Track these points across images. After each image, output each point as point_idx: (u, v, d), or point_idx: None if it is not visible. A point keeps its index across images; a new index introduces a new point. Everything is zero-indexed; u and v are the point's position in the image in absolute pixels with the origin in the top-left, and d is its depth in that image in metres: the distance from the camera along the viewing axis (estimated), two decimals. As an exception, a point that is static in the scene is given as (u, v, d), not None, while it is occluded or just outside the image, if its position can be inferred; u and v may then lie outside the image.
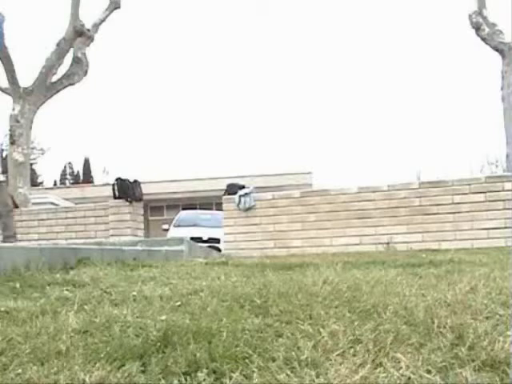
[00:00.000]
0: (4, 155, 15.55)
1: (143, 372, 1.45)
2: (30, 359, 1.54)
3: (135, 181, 9.31)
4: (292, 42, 59.58)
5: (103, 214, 9.28)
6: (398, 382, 1.33)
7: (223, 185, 9.39)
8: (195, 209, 18.95)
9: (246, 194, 7.99)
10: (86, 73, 14.83)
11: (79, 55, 14.57)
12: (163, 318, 1.95)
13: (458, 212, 6.89)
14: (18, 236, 9.40)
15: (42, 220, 9.63)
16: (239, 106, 56.73)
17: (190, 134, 61.45)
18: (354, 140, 57.88)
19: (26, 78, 14.15)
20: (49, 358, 1.54)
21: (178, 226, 13.13)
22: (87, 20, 14.79)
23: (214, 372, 1.44)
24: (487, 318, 1.82)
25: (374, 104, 53.62)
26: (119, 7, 15.23)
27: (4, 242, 7.50)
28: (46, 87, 14.24)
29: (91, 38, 14.80)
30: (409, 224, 7.08)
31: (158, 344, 1.63)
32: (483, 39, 13.29)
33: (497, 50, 13.14)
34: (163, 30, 60.58)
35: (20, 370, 1.44)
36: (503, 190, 6.73)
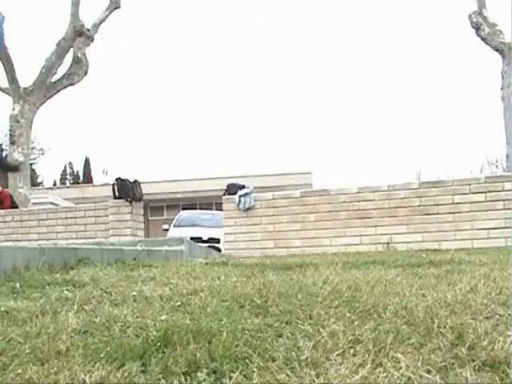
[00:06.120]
0: (4, 155, 15.54)
1: (143, 372, 1.45)
2: (29, 359, 1.53)
3: (135, 181, 9.30)
4: (293, 42, 59.62)
5: (103, 213, 9.27)
6: (398, 381, 1.33)
7: (223, 185, 9.38)
8: (195, 209, 18.97)
9: (246, 193, 7.99)
10: (85, 73, 14.84)
11: (79, 55, 14.58)
12: (163, 317, 1.95)
13: (458, 212, 6.89)
14: (19, 236, 9.41)
15: (42, 220, 9.62)
16: (240, 105, 56.73)
17: (190, 134, 61.45)
18: (354, 140, 57.88)
19: (26, 78, 14.17)
20: (49, 358, 1.54)
21: (178, 225, 13.14)
22: (87, 20, 14.81)
23: (214, 372, 1.44)
24: (487, 317, 1.82)
25: (374, 104, 53.61)
26: (119, 7, 15.24)
27: None
28: (46, 87, 14.25)
29: (91, 38, 14.81)
30: (409, 224, 7.08)
31: (158, 344, 1.63)
32: (483, 39, 13.30)
33: (497, 50, 13.15)
34: (163, 30, 60.62)
35: (20, 370, 1.44)
36: (503, 190, 6.72)
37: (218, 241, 10.67)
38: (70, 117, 55.78)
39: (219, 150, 56.31)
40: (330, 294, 2.25)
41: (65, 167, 46.31)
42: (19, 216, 9.78)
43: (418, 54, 52.96)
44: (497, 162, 22.65)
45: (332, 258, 4.34)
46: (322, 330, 1.72)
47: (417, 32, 52.43)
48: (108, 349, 1.59)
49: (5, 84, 14.10)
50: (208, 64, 56.14)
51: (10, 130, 13.79)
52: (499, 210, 6.68)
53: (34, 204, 13.56)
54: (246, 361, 1.49)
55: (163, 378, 1.41)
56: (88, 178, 41.26)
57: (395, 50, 55.20)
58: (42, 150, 38.43)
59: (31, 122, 14.06)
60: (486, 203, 6.80)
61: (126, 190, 9.12)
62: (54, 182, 43.04)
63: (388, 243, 6.94)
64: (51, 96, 14.48)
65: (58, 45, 14.32)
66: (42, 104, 14.31)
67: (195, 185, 24.75)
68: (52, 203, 14.86)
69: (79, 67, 14.59)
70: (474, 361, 1.44)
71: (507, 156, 12.89)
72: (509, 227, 6.46)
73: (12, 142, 13.80)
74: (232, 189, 8.40)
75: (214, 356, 1.52)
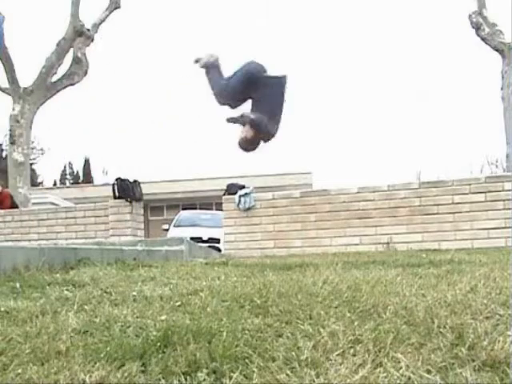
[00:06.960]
0: (4, 155, 15.56)
1: (143, 372, 1.45)
2: (30, 359, 1.53)
3: (135, 181, 9.30)
4: (293, 42, 59.59)
5: (103, 214, 9.27)
6: (398, 381, 1.33)
7: (223, 185, 9.38)
8: (195, 209, 18.97)
9: (246, 193, 7.99)
10: (85, 73, 14.85)
11: (79, 55, 14.59)
12: (163, 317, 1.95)
13: (458, 212, 6.89)
14: (19, 236, 9.41)
15: (42, 220, 9.62)
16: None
17: (189, 134, 61.40)
18: (353, 140, 57.85)
19: (26, 78, 14.17)
20: (49, 358, 1.54)
21: (178, 225, 13.15)
22: (87, 20, 14.81)
23: (214, 372, 1.44)
24: (487, 317, 1.82)
25: (374, 104, 53.59)
26: (119, 7, 15.25)
27: None
28: (46, 87, 14.25)
29: (91, 38, 14.82)
30: (409, 224, 7.08)
31: (158, 344, 1.63)
32: (483, 39, 13.31)
33: (497, 50, 13.16)
34: (163, 30, 60.60)
35: (20, 370, 1.44)
36: (503, 190, 6.72)
37: (218, 241, 10.67)
38: (70, 117, 55.83)
39: (219, 150, 56.25)
40: (330, 294, 2.25)
41: (65, 167, 46.32)
42: (19, 216, 9.78)
43: (418, 54, 52.97)
44: (497, 161, 22.70)
45: (332, 258, 4.34)
46: (322, 329, 1.72)
47: (417, 32, 52.45)
48: (108, 349, 1.59)
49: (5, 84, 14.10)
50: (208, 64, 55.98)
51: (10, 130, 13.79)
52: (499, 210, 6.68)
53: (34, 204, 13.56)
54: (246, 361, 1.49)
55: (163, 377, 1.41)
56: (88, 178, 41.28)
57: (395, 49, 55.21)
58: (41, 150, 38.45)
59: (31, 122, 14.06)
60: (485, 203, 6.80)
61: (126, 190, 9.11)
62: (54, 181, 43.06)
63: (388, 243, 6.94)
64: (51, 96, 14.48)
65: (58, 45, 14.32)
66: (42, 104, 14.31)
67: (195, 185, 24.76)
68: (52, 203, 14.87)
69: (79, 67, 14.59)
70: (474, 361, 1.44)
71: (507, 156, 12.90)
72: (509, 227, 6.46)
73: (12, 142, 13.80)
74: (232, 189, 8.39)
75: (214, 356, 1.51)
